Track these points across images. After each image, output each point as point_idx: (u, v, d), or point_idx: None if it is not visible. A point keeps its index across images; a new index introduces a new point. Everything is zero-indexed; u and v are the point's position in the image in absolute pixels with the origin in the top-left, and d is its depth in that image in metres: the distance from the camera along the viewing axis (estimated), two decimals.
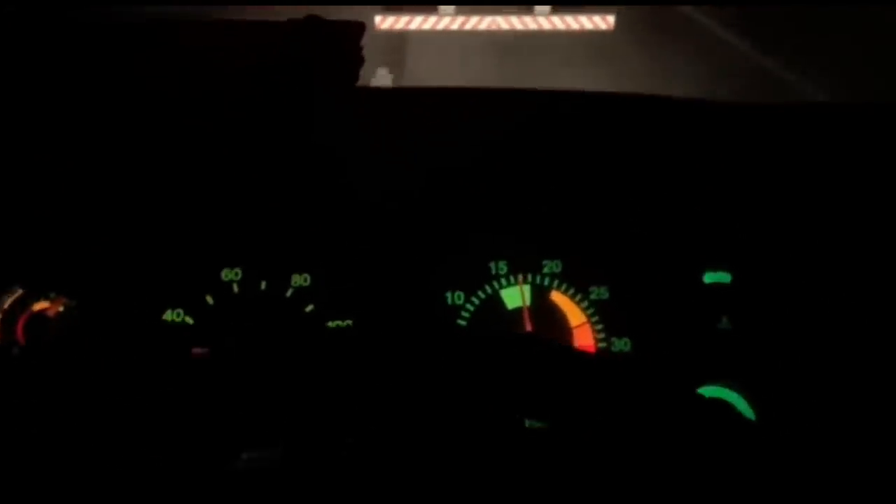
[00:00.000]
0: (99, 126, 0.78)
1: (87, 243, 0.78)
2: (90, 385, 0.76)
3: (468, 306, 0.80)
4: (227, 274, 0.79)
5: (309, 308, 0.78)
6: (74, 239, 0.78)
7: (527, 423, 0.74)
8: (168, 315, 0.77)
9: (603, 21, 4.14)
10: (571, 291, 0.80)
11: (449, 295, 0.80)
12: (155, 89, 0.80)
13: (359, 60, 0.87)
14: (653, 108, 0.85)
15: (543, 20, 4.15)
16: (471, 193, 0.81)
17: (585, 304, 0.80)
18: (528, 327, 0.79)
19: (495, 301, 0.80)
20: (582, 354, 0.75)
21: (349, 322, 0.78)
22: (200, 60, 0.83)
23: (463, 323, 0.79)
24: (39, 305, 0.78)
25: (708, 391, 0.77)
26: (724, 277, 0.80)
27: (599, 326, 0.79)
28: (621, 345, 0.79)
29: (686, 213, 0.81)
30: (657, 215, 0.81)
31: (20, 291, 0.78)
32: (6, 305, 0.77)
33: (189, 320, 0.77)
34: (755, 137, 0.82)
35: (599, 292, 0.80)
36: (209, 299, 0.78)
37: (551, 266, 0.81)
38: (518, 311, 0.79)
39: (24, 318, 0.77)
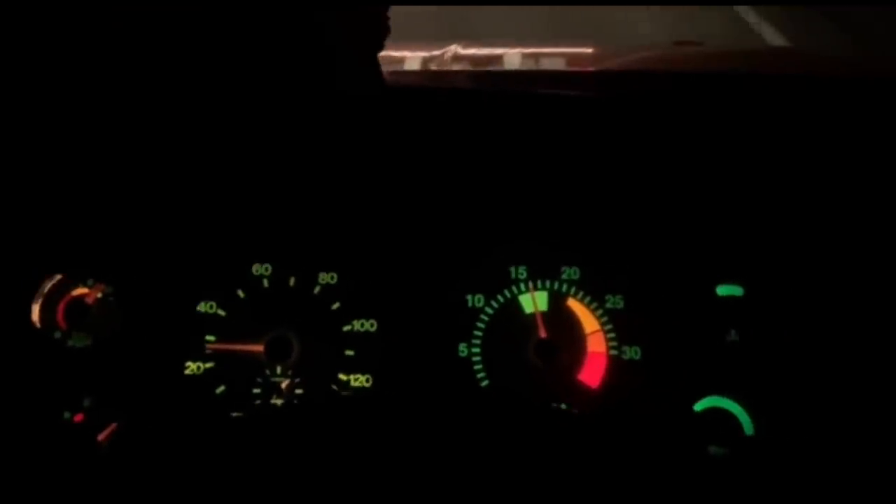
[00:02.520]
0: (139, 116, 0.80)
1: (126, 232, 0.81)
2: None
3: (487, 309, 0.83)
4: (257, 269, 0.82)
5: (335, 306, 0.82)
6: (114, 227, 0.81)
7: None
8: (202, 306, 0.81)
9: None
10: (588, 299, 0.83)
11: (470, 297, 0.83)
12: (184, 77, 0.81)
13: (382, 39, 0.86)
14: (676, 112, 0.86)
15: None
16: (495, 199, 0.83)
17: (600, 311, 0.83)
18: (542, 333, 0.83)
19: (513, 305, 0.83)
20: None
21: (372, 321, 0.82)
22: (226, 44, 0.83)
23: (482, 325, 0.83)
24: (79, 291, 0.81)
25: (710, 402, 0.81)
26: (736, 291, 0.83)
27: (612, 334, 0.83)
28: (632, 353, 0.82)
29: (703, 225, 0.83)
30: (675, 227, 0.83)
31: (60, 276, 0.81)
32: (47, 290, 0.81)
33: (221, 312, 0.81)
34: (777, 149, 0.83)
35: (615, 301, 0.83)
36: (240, 293, 0.81)
37: (570, 273, 0.84)
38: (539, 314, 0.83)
39: (64, 303, 0.81)
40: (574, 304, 0.83)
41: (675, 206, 0.83)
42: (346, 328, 0.82)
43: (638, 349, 0.82)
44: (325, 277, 0.82)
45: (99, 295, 0.81)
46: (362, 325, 0.82)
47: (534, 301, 0.83)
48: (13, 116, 0.77)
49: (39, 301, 0.81)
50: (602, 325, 0.83)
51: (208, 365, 0.80)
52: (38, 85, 0.75)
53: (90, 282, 0.81)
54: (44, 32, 0.67)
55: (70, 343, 0.80)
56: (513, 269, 0.84)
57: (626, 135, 0.82)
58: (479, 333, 0.83)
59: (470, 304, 0.83)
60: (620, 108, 0.84)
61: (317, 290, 0.82)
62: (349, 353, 0.81)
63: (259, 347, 0.80)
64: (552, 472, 0.73)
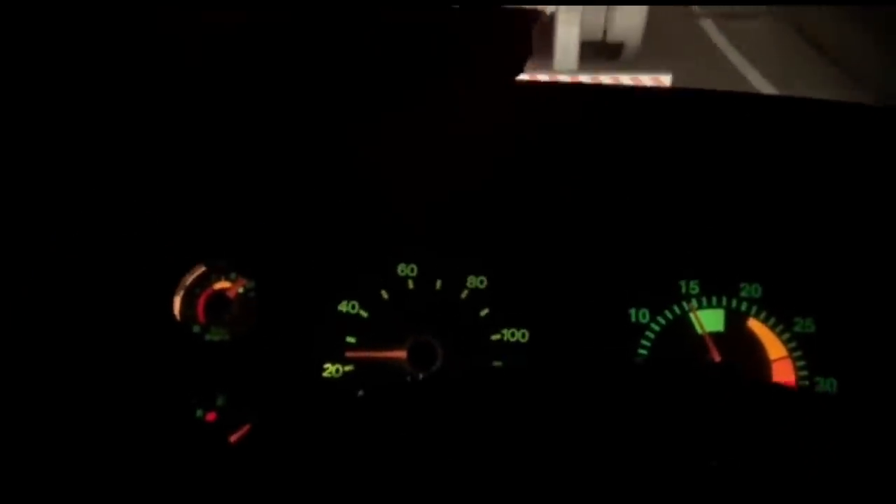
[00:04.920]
0: (281, 112, 0.78)
1: (271, 226, 0.78)
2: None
3: (654, 326, 0.74)
4: (402, 269, 0.77)
5: (483, 312, 0.75)
6: (258, 221, 0.78)
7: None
8: (343, 306, 0.76)
9: (656, 82, 3.66)
10: (772, 321, 0.73)
11: (633, 312, 0.74)
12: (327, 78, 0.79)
13: (527, 52, 0.82)
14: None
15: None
16: (665, 203, 0.75)
17: (787, 335, 0.72)
18: (716, 357, 0.73)
19: (684, 323, 0.74)
20: (780, 389, 0.68)
21: (524, 331, 0.75)
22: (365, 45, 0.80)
23: (647, 344, 0.73)
24: (220, 285, 0.78)
25: None
26: None
27: (802, 363, 0.71)
28: (826, 385, 0.71)
29: None
30: (877, 237, 0.72)
31: (203, 269, 0.79)
32: (189, 283, 0.79)
33: (363, 313, 0.76)
34: None
35: (805, 324, 0.72)
36: (384, 293, 0.76)
37: (750, 290, 0.74)
38: (711, 335, 0.73)
39: (205, 297, 0.78)
40: (756, 326, 0.73)
41: (878, 210, 0.72)
42: (495, 337, 0.74)
43: (834, 381, 0.71)
44: (473, 281, 0.76)
45: (240, 290, 0.78)
46: (513, 334, 0.74)
47: (698, 321, 0.74)
48: (159, 105, 0.76)
49: (181, 294, 0.78)
50: (790, 351, 0.72)
51: (347, 368, 0.75)
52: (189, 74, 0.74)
53: (233, 276, 0.78)
54: None
55: (208, 338, 0.77)
56: (683, 283, 0.75)
57: (818, 134, 0.72)
58: (644, 353, 0.73)
59: (633, 318, 0.74)
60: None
61: (464, 294, 0.76)
62: (497, 364, 0.74)
63: (401, 354, 0.74)
64: None
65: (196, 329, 0.77)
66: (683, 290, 0.75)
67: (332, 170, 0.79)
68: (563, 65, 3.66)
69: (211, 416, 0.75)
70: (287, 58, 0.80)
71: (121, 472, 0.72)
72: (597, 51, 3.86)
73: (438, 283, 0.76)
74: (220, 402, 0.75)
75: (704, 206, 0.75)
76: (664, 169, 0.75)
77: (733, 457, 0.52)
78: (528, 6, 0.83)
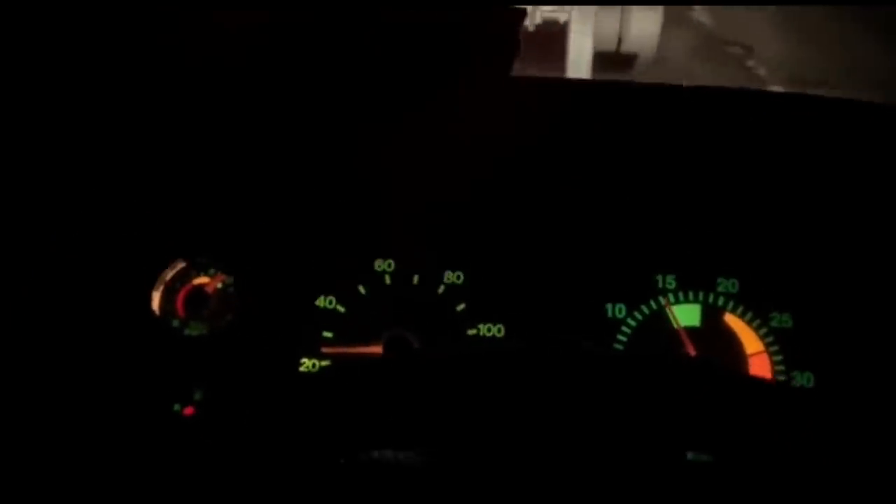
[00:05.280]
0: (265, 104, 0.79)
1: (249, 222, 0.79)
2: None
3: (630, 321, 0.74)
4: (380, 265, 0.77)
5: (460, 307, 0.75)
6: (238, 217, 0.79)
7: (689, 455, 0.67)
8: (321, 301, 0.76)
9: None
10: (749, 316, 0.72)
11: (609, 307, 0.74)
12: (313, 75, 0.79)
13: (515, 49, 0.82)
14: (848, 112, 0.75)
15: None
16: (641, 198, 0.75)
17: (764, 330, 0.72)
18: (691, 351, 0.73)
19: (661, 318, 0.74)
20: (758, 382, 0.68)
21: (500, 326, 0.75)
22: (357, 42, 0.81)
23: (623, 339, 0.73)
24: (199, 280, 0.79)
25: None
26: None
27: (779, 357, 0.71)
28: (803, 380, 0.70)
29: (890, 231, 0.71)
30: (856, 231, 0.72)
31: (182, 265, 0.80)
32: (168, 278, 0.79)
33: (340, 308, 0.76)
34: None
35: (782, 319, 0.72)
36: (361, 289, 0.76)
37: (727, 285, 0.74)
38: (688, 330, 0.73)
39: (185, 291, 0.79)
40: (732, 321, 0.73)
41: (856, 206, 0.72)
42: (471, 332, 0.74)
43: (811, 376, 0.70)
44: (450, 276, 0.76)
45: (219, 285, 0.78)
46: (489, 329, 0.74)
47: (674, 316, 0.74)
48: (138, 100, 0.77)
49: (160, 289, 0.79)
50: (766, 346, 0.71)
51: (324, 363, 0.75)
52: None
53: (211, 271, 0.79)
54: None
55: (187, 332, 0.77)
56: (659, 278, 0.75)
57: (802, 125, 0.72)
58: (620, 348, 0.73)
59: (610, 313, 0.74)
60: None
61: (441, 289, 0.76)
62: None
63: (377, 349, 0.74)
64: None
65: (175, 323, 0.78)
66: (660, 284, 0.74)
67: (310, 166, 0.79)
68: (575, 75, 3.67)
69: (188, 411, 0.75)
70: (261, 54, 0.81)
71: (96, 465, 0.73)
72: (610, 61, 3.86)
73: (416, 279, 0.77)
74: (197, 396, 0.75)
75: (680, 200, 0.75)
76: (640, 164, 0.75)
77: (710, 449, 0.52)
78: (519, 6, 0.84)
